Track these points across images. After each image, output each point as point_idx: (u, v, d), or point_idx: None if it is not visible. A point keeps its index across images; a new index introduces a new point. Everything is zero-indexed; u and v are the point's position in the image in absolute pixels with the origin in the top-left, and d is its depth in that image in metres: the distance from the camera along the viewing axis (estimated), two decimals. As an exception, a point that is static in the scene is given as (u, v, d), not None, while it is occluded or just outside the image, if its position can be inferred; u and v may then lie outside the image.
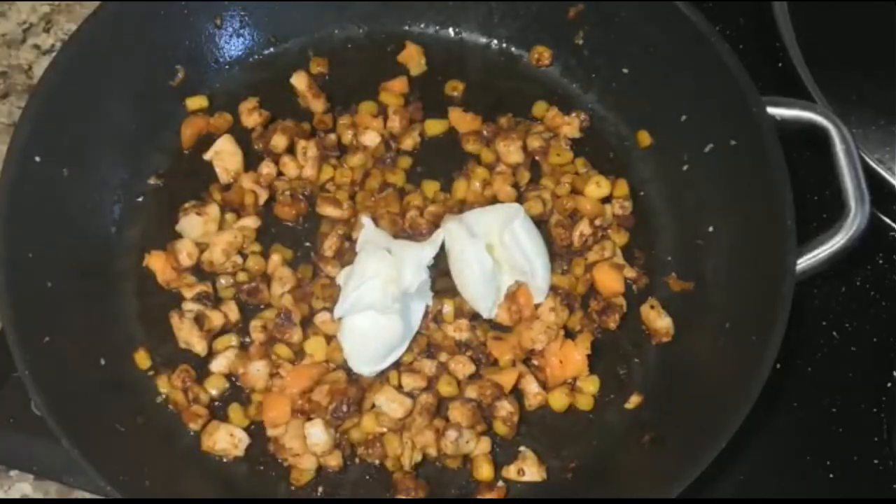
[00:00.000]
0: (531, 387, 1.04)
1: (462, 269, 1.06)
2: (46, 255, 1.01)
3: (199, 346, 1.04)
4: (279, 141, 1.13)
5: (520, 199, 1.13)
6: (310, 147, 1.13)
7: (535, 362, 1.06)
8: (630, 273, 1.10)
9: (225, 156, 1.13)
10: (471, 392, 1.03)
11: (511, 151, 1.14)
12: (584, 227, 1.10)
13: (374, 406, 1.03)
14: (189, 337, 1.04)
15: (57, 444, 0.92)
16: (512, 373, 1.04)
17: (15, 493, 1.04)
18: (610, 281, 1.09)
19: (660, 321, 1.07)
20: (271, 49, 1.20)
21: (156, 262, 1.08)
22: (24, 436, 1.02)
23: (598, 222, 1.11)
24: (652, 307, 1.07)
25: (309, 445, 1.00)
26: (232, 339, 1.06)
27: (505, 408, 1.02)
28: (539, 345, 1.05)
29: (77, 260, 1.05)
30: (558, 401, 1.04)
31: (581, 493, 1.01)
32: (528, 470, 1.01)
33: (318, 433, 0.99)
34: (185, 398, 1.02)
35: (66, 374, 0.97)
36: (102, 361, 1.02)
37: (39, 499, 1.04)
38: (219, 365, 1.05)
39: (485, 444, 1.02)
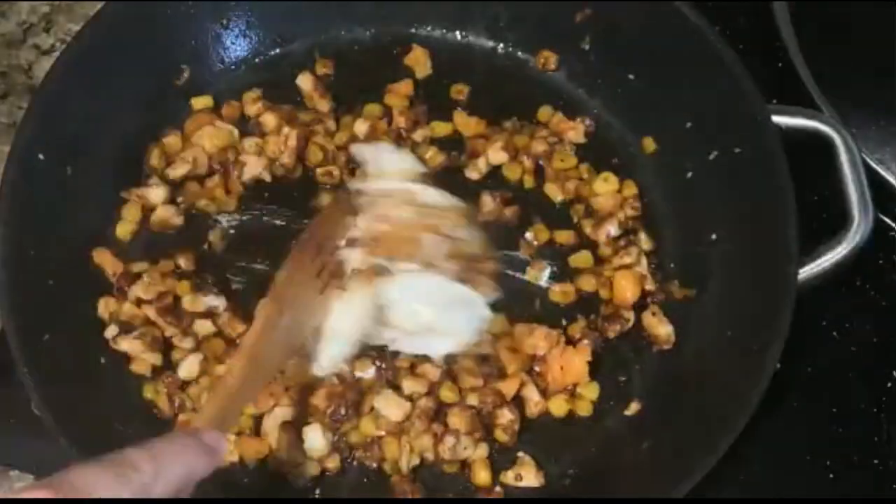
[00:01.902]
0: (532, 395, 1.03)
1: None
2: (48, 254, 1.01)
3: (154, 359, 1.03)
4: (269, 119, 1.13)
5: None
6: (291, 136, 1.12)
7: (537, 368, 1.05)
8: (650, 286, 1.09)
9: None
10: (471, 399, 1.02)
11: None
12: (611, 227, 1.10)
13: (372, 409, 1.02)
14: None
15: (57, 444, 0.92)
16: (514, 381, 1.03)
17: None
18: (628, 289, 1.07)
19: (661, 328, 1.06)
20: (277, 50, 1.20)
21: (102, 258, 1.06)
22: (24, 436, 1.02)
23: (621, 216, 1.11)
24: (653, 314, 1.07)
25: (307, 450, 0.99)
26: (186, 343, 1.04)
27: (506, 416, 1.02)
28: (540, 350, 1.04)
29: (78, 259, 1.05)
30: (558, 407, 1.04)
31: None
32: (526, 476, 1.01)
33: (316, 438, 0.99)
34: (171, 405, 1.02)
35: (66, 374, 0.97)
36: (102, 361, 1.02)
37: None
38: (187, 371, 1.03)
39: (482, 450, 1.01)
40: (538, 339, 1.04)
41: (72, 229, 1.05)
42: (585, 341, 1.05)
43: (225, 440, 0.79)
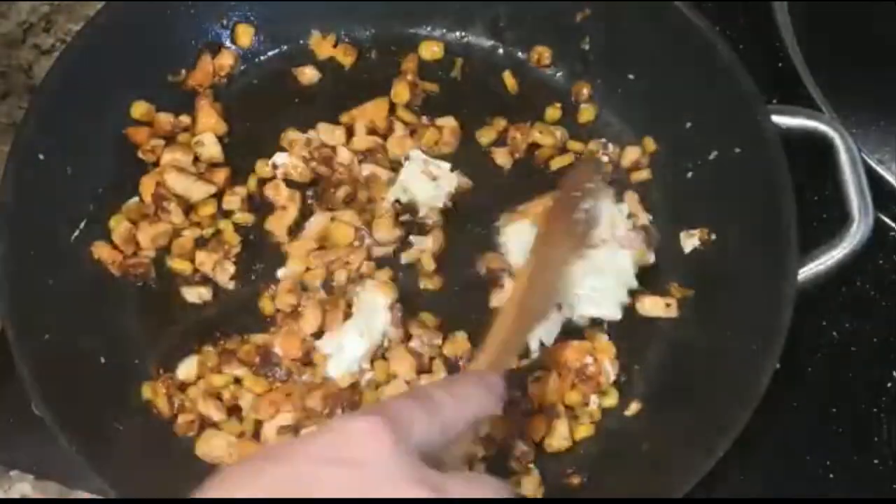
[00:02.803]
0: (563, 430, 1.02)
1: None
2: (48, 254, 1.01)
3: None
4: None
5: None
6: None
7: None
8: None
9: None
10: (485, 427, 0.99)
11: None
12: None
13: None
14: None
15: (57, 444, 0.92)
16: (542, 421, 1.02)
17: (15, 493, 1.03)
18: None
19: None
20: (277, 50, 1.20)
21: (101, 251, 1.06)
22: (24, 436, 1.02)
23: None
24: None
25: None
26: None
27: (520, 448, 1.01)
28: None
29: (79, 258, 1.05)
30: (583, 432, 1.03)
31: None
32: (525, 482, 1.00)
33: None
34: (170, 406, 1.01)
35: (65, 374, 0.97)
36: (102, 360, 1.02)
37: (39, 499, 1.03)
38: (185, 372, 1.03)
39: (479, 469, 1.00)
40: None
41: (72, 229, 1.05)
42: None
43: (503, 383, 0.79)
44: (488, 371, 0.82)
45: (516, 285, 0.97)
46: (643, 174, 1.14)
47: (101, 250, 1.06)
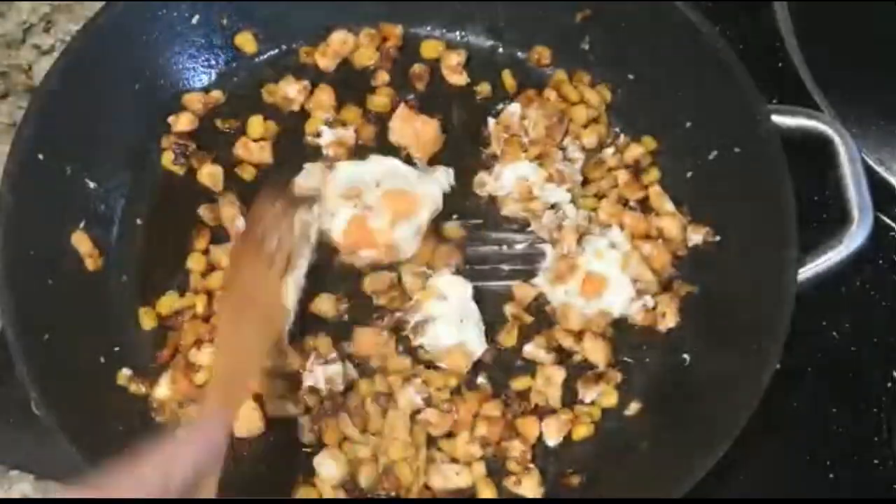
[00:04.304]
0: (557, 428, 1.03)
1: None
2: (48, 254, 1.01)
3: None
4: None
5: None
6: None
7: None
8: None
9: None
10: (480, 429, 1.01)
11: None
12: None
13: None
14: None
15: (57, 444, 0.92)
16: (534, 421, 1.02)
17: (15, 493, 1.03)
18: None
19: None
20: (276, 50, 1.20)
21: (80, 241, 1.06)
22: (24, 436, 1.02)
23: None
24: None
25: (321, 479, 0.98)
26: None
27: (517, 448, 1.01)
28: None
29: (78, 258, 1.05)
30: (582, 431, 1.03)
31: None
32: (525, 482, 1.00)
33: (329, 467, 0.98)
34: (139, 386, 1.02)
35: (66, 374, 0.97)
36: (102, 360, 1.02)
37: (39, 499, 1.03)
38: (162, 392, 1.02)
39: (479, 468, 1.00)
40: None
41: (72, 229, 1.05)
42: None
43: (221, 432, 0.83)
44: (209, 425, 0.84)
45: (218, 333, 0.95)
46: (649, 174, 1.14)
47: (80, 240, 1.05)
